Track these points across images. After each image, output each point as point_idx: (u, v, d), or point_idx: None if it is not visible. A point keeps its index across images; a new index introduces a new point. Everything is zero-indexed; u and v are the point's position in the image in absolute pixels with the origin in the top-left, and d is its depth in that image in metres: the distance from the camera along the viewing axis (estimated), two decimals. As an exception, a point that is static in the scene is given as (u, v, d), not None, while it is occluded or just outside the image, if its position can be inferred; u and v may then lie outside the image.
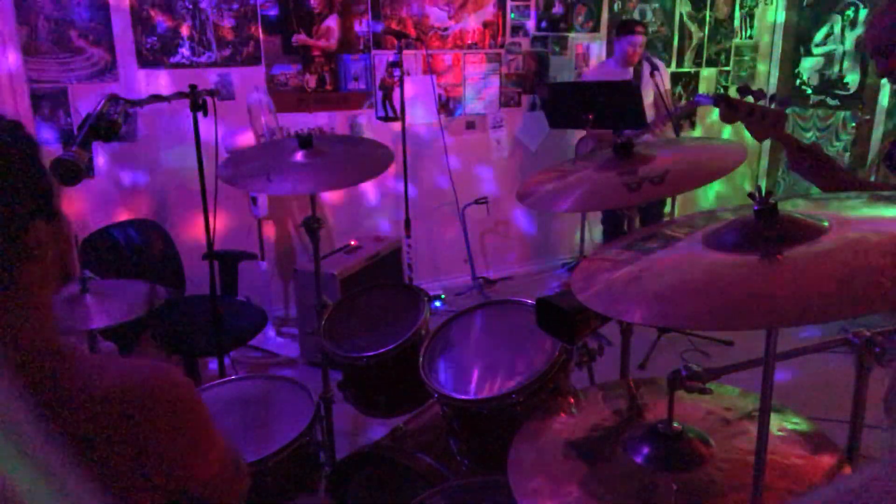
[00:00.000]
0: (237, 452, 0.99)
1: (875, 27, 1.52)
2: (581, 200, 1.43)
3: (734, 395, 1.28)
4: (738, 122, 1.58)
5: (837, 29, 4.86)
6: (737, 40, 5.27)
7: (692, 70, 5.11)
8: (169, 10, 3.41)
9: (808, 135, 5.07)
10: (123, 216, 3.36)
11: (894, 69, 1.51)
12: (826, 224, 0.86)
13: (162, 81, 3.43)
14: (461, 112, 4.38)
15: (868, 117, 4.67)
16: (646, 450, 1.12)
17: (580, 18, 4.61)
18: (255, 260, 3.43)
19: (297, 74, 3.79)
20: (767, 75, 5.40)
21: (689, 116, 5.07)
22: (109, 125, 1.60)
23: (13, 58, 3.11)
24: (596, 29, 4.69)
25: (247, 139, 3.34)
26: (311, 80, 3.84)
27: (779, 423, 1.15)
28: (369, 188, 4.12)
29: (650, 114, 3.92)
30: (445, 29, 4.19)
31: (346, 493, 1.87)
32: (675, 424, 1.12)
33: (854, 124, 4.77)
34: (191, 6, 3.45)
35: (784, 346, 0.95)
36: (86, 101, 3.29)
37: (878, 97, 4.62)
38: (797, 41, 5.19)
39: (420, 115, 4.19)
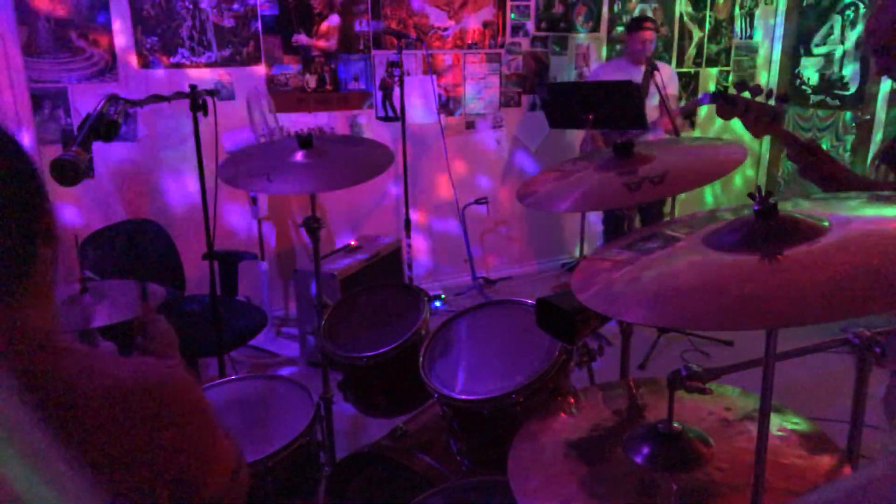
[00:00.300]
0: (240, 452, 0.99)
1: (875, 24, 1.52)
2: (581, 200, 1.43)
3: (734, 395, 1.28)
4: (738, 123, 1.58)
5: (837, 29, 4.86)
6: (737, 40, 5.27)
7: (692, 70, 5.11)
8: (169, 10, 3.41)
9: (808, 135, 5.06)
10: (123, 216, 3.36)
11: (892, 66, 1.51)
12: (826, 224, 0.86)
13: (162, 81, 3.43)
14: (461, 112, 4.38)
15: (868, 117, 4.67)
16: (646, 450, 1.12)
17: (580, 18, 4.60)
18: (255, 260, 3.43)
19: (297, 74, 3.79)
20: (767, 75, 5.40)
21: (689, 116, 5.07)
22: (109, 125, 1.60)
23: (13, 58, 3.11)
24: (596, 29, 4.68)
25: (247, 139, 3.34)
26: (311, 80, 3.84)
27: (779, 423, 1.15)
28: (369, 188, 4.11)
29: (653, 116, 3.91)
30: (445, 29, 4.19)
31: (346, 493, 1.87)
32: (675, 424, 1.12)
33: (854, 124, 4.77)
34: (191, 6, 3.45)
35: (784, 346, 0.95)
36: (86, 101, 3.29)
37: (877, 97, 4.62)
38: (797, 41, 5.19)
39: (420, 115, 4.19)
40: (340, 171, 1.90)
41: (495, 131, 4.52)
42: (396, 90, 3.87)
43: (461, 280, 4.56)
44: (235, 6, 3.56)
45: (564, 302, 1.32)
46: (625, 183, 1.39)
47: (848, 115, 4.82)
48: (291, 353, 3.57)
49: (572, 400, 1.36)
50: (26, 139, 3.14)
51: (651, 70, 3.46)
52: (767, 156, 5.51)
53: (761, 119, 1.54)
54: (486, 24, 4.31)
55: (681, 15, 4.97)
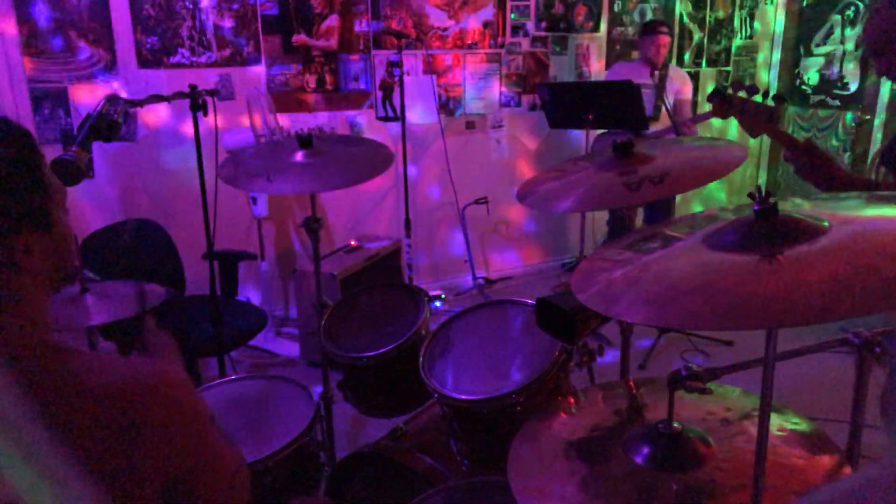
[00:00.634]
0: (239, 453, 0.99)
1: (871, 27, 1.52)
2: (581, 200, 1.43)
3: (734, 395, 1.28)
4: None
5: (837, 29, 4.85)
6: (737, 40, 5.27)
7: (692, 70, 5.11)
8: (169, 10, 3.41)
9: (808, 135, 5.06)
10: (123, 216, 3.36)
11: (891, 68, 1.51)
12: (826, 224, 0.86)
13: (162, 81, 3.43)
14: (461, 112, 4.38)
15: (868, 117, 4.67)
16: (646, 450, 1.12)
17: (580, 18, 4.60)
18: (255, 260, 3.44)
19: (297, 74, 3.79)
20: (767, 75, 5.40)
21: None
22: (109, 125, 1.60)
23: (13, 58, 3.11)
24: (596, 29, 4.68)
25: (247, 139, 3.34)
26: (311, 80, 3.84)
27: (779, 423, 1.15)
28: (369, 188, 4.11)
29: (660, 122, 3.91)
30: (445, 29, 4.19)
31: (346, 493, 1.87)
32: (675, 424, 1.12)
33: (854, 124, 4.77)
34: (191, 6, 3.45)
35: (784, 346, 0.95)
36: (86, 101, 3.29)
37: (878, 97, 4.62)
38: (797, 41, 5.19)
39: (420, 115, 4.19)
40: (340, 171, 1.90)
41: (495, 131, 4.52)
42: (396, 90, 3.87)
43: (461, 280, 4.56)
44: (235, 6, 3.56)
45: (564, 302, 1.32)
46: (625, 183, 1.39)
47: (848, 115, 4.81)
48: (291, 353, 3.57)
49: (572, 400, 1.36)
50: (26, 139, 3.13)
51: (651, 70, 3.46)
52: (767, 156, 5.51)
53: (758, 118, 1.54)
54: (486, 24, 4.31)
55: (681, 15, 4.97)
